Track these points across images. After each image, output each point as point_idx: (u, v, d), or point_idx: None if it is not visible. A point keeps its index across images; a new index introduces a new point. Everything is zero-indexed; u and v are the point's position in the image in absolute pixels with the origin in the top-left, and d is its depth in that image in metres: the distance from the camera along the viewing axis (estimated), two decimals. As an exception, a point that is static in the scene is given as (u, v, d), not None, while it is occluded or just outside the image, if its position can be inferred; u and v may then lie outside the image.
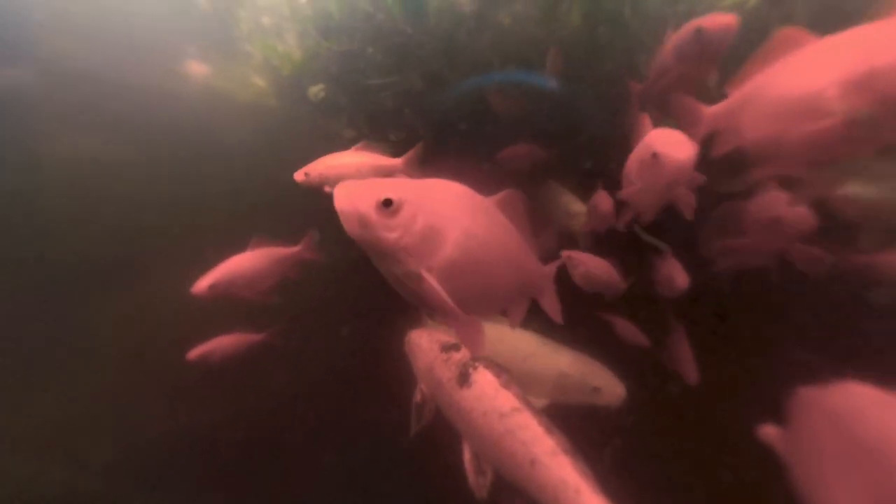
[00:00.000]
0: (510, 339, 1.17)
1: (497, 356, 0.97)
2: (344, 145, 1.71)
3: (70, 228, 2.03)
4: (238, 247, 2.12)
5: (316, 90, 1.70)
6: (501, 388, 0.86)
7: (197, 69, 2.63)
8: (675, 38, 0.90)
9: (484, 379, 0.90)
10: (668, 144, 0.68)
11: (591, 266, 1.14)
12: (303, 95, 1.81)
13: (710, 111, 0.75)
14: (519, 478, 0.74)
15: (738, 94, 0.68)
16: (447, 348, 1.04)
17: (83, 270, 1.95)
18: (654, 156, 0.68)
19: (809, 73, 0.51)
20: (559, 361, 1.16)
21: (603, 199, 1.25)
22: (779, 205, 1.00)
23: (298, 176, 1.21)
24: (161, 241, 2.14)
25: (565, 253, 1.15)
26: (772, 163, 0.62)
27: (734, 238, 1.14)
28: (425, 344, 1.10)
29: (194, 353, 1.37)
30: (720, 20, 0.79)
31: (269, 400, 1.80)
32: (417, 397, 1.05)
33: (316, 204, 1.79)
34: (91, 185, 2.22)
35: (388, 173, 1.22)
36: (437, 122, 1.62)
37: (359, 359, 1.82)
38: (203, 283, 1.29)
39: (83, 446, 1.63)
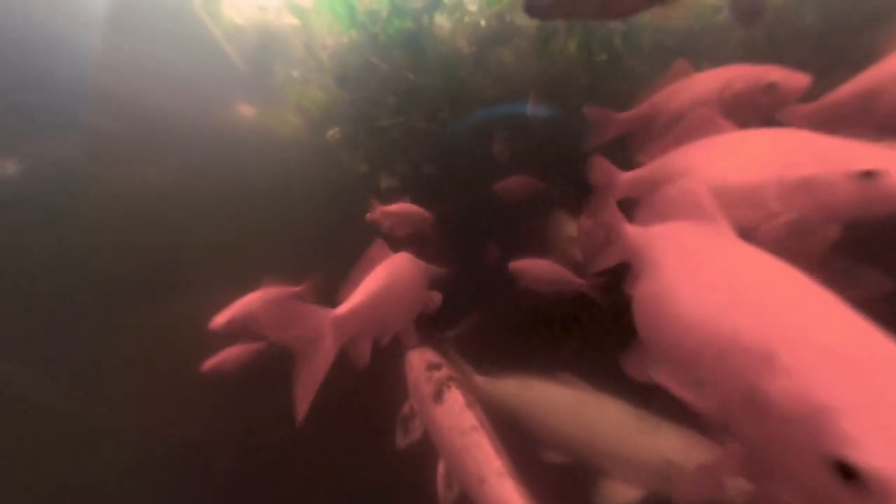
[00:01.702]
0: (597, 415, 0.95)
1: (582, 436, 0.89)
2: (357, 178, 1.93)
3: (127, 248, 2.42)
4: (270, 261, 2.43)
5: (333, 132, 1.93)
6: (466, 407, 0.94)
7: (245, 110, 3.06)
8: (726, 82, 0.73)
9: (453, 397, 0.98)
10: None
11: (536, 269, 1.20)
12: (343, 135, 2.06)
13: (626, 177, 0.78)
14: (471, 494, 0.81)
15: (656, 166, 0.71)
16: (431, 366, 1.16)
17: (134, 286, 2.31)
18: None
19: (746, 166, 0.54)
20: (663, 445, 0.88)
21: (588, 226, 1.29)
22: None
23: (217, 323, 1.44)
24: (205, 256, 2.50)
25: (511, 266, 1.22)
26: None
27: None
28: (416, 361, 1.20)
29: (207, 364, 1.51)
30: (797, 77, 0.67)
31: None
32: (406, 410, 1.16)
33: (339, 225, 2.02)
34: (148, 208, 2.66)
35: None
36: (439, 156, 1.76)
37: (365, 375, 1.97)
38: (220, 320, 1.40)
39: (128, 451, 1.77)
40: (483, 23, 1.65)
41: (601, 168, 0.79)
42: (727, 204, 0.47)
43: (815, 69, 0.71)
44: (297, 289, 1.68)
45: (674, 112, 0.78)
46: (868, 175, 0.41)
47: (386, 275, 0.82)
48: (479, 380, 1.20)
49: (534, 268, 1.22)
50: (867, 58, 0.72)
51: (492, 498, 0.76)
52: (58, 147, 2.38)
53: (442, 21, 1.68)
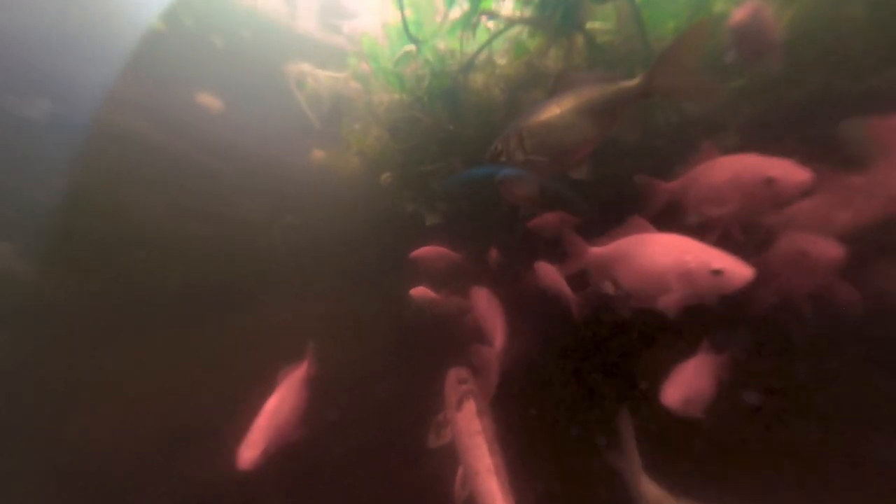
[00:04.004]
0: None
1: None
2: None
3: (213, 263, 3.00)
4: (329, 284, 2.84)
5: (385, 177, 2.24)
6: (475, 415, 1.20)
7: (317, 154, 3.66)
8: (736, 175, 0.85)
9: (469, 405, 1.25)
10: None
11: (548, 273, 1.44)
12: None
13: (593, 252, 1.02)
14: (469, 483, 1.06)
15: (612, 248, 0.97)
16: (461, 380, 1.47)
17: (227, 297, 2.85)
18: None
19: (657, 258, 0.85)
20: None
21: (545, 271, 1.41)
22: (804, 241, 0.97)
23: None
24: (282, 277, 3.02)
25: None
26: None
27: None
28: (452, 376, 1.51)
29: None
30: (795, 175, 0.75)
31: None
32: (440, 417, 1.43)
33: (388, 255, 2.32)
34: (241, 234, 3.33)
35: None
36: (475, 196, 1.94)
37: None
38: (251, 455, 1.15)
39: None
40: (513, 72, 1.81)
41: (573, 241, 1.02)
42: (646, 280, 0.84)
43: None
44: (303, 370, 1.56)
45: (699, 191, 0.97)
46: (718, 272, 0.73)
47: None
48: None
49: (546, 272, 1.47)
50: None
51: (481, 488, 1.02)
52: (181, 184, 3.16)
53: (476, 76, 1.89)
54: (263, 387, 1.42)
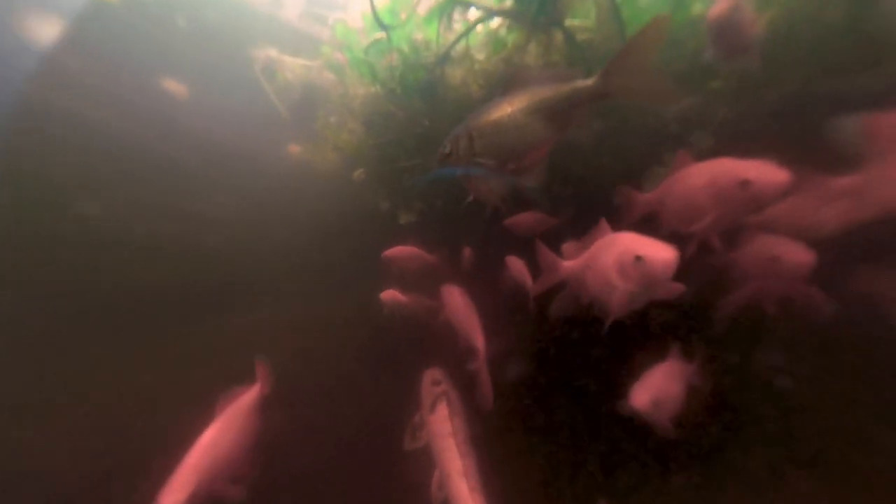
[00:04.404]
0: None
1: None
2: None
3: (173, 264, 2.80)
4: (303, 283, 2.70)
5: (358, 173, 2.13)
6: (447, 418, 1.21)
7: (293, 148, 3.50)
8: (712, 179, 0.83)
9: (441, 408, 1.27)
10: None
11: (515, 265, 1.46)
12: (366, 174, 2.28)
13: (566, 265, 1.00)
14: (443, 485, 1.06)
15: (581, 260, 0.97)
16: (435, 381, 1.47)
17: (185, 300, 2.63)
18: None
19: (603, 259, 0.87)
20: None
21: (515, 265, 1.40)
22: (775, 245, 0.96)
23: None
24: (253, 276, 2.85)
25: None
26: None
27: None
28: (427, 378, 1.50)
29: None
30: (772, 177, 0.73)
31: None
32: (416, 419, 1.43)
33: (362, 254, 2.22)
34: (206, 227, 3.12)
35: None
36: (450, 194, 1.86)
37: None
38: (171, 501, 0.93)
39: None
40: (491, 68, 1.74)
41: (546, 257, 1.01)
42: (597, 279, 0.85)
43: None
44: (254, 392, 1.35)
45: (676, 201, 0.95)
46: (639, 258, 0.74)
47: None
48: None
49: (515, 266, 1.46)
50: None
51: (452, 491, 1.04)
52: (142, 177, 2.93)
53: (454, 71, 1.81)
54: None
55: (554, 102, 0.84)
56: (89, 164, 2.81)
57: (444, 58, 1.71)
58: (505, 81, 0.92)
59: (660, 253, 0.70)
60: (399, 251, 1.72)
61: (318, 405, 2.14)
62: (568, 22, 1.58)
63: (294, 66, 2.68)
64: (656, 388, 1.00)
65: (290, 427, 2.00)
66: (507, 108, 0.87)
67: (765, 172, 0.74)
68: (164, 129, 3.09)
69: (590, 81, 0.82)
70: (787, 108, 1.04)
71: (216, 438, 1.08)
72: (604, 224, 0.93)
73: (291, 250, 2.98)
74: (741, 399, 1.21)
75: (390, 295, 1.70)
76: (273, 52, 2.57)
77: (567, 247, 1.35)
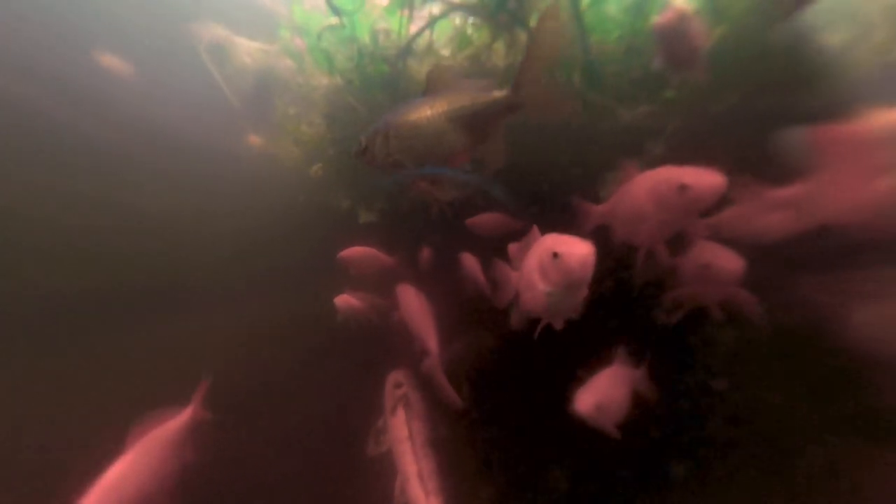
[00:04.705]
0: None
1: None
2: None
3: (108, 263, 2.52)
4: (258, 282, 2.51)
5: (315, 169, 2.01)
6: (405, 422, 1.23)
7: (253, 139, 3.27)
8: (653, 185, 0.85)
9: (401, 411, 1.29)
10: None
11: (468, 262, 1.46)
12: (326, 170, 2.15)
13: (515, 275, 1.01)
14: (402, 491, 1.07)
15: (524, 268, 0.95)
16: (397, 384, 1.46)
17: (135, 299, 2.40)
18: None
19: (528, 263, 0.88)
20: None
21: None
22: (709, 253, 1.00)
23: None
24: (191, 276, 2.62)
25: None
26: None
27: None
28: (391, 381, 1.49)
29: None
30: (707, 181, 0.75)
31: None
32: (379, 423, 1.43)
33: (319, 254, 2.09)
34: (155, 224, 2.84)
35: None
36: (413, 196, 1.79)
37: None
38: None
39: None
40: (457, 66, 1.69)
41: (500, 269, 1.01)
42: (524, 282, 0.84)
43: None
44: (185, 417, 1.15)
45: (624, 210, 0.95)
46: (557, 255, 0.71)
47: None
48: None
49: (469, 263, 1.48)
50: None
51: (409, 494, 1.06)
52: (72, 163, 2.61)
53: (419, 67, 1.74)
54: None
55: (471, 111, 0.84)
56: (10, 147, 2.47)
57: (406, 51, 1.63)
58: (427, 80, 0.89)
59: (576, 248, 0.68)
60: (355, 252, 1.63)
61: (276, 415, 2.01)
62: (533, 22, 1.57)
63: (250, 49, 2.49)
64: (601, 392, 0.99)
65: (247, 439, 1.88)
66: (427, 111, 0.85)
67: (701, 177, 0.75)
68: (100, 110, 2.77)
69: (503, 93, 0.82)
70: (733, 120, 1.07)
71: (123, 476, 0.89)
72: (535, 230, 0.92)
73: (245, 249, 2.78)
74: (679, 404, 1.25)
75: (344, 300, 1.61)
76: (221, 31, 2.36)
77: (512, 248, 1.37)
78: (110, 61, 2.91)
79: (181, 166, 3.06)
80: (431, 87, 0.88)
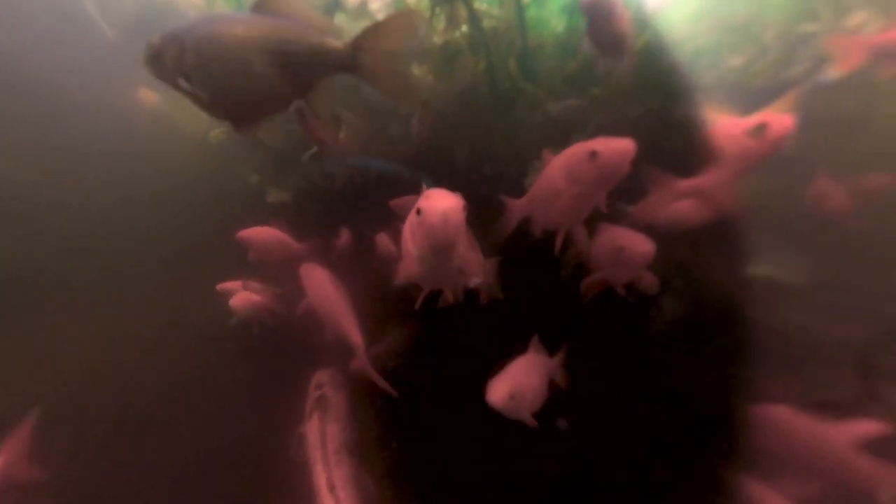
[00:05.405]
0: None
1: None
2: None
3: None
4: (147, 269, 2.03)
5: (216, 133, 1.68)
6: (317, 428, 1.21)
7: (146, 95, 2.65)
8: (565, 159, 0.84)
9: (316, 415, 1.24)
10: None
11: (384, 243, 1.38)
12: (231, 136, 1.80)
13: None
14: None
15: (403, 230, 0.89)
16: (318, 385, 1.39)
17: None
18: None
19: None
20: None
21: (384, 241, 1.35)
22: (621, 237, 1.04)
23: None
24: (63, 267, 2.07)
25: None
26: None
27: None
28: (314, 382, 1.42)
29: None
30: (616, 146, 0.74)
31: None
32: (302, 428, 1.34)
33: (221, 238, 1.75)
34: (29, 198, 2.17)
35: None
36: (329, 171, 1.59)
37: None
38: None
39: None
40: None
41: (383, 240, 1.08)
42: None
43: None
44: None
45: (541, 195, 0.92)
46: (420, 212, 0.63)
47: None
48: None
49: (384, 244, 1.37)
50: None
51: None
52: None
53: (350, 24, 1.54)
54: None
55: (295, 49, 0.69)
56: None
57: (335, 3, 1.43)
58: None
59: (438, 202, 0.59)
60: (257, 233, 1.36)
61: (175, 433, 1.62)
62: (477, 4, 1.49)
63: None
64: (514, 381, 0.95)
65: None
66: (239, 30, 0.66)
67: (610, 143, 0.75)
68: None
69: (339, 44, 0.71)
70: (652, 122, 1.13)
71: None
72: (424, 188, 0.86)
73: (128, 234, 2.24)
74: (608, 388, 1.29)
75: (242, 299, 1.34)
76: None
77: (380, 238, 1.33)
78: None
79: (38, 131, 2.35)
80: (262, 4, 0.69)
